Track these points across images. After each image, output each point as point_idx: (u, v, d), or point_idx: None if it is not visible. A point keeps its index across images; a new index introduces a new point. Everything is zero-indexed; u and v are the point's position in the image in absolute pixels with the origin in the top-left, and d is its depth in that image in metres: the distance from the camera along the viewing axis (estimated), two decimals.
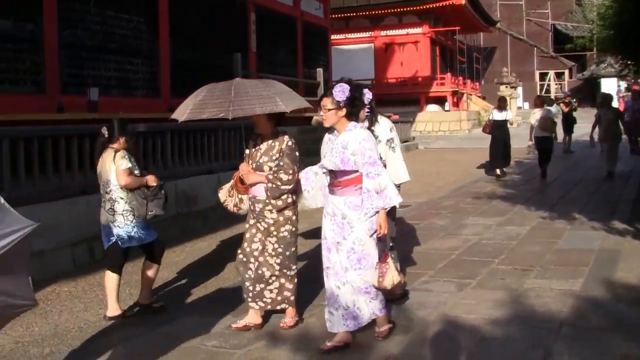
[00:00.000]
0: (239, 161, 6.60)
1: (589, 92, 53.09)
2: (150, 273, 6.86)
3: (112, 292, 6.66)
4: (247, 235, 6.13)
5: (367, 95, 6.25)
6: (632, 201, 13.24)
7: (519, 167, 19.83)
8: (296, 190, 5.99)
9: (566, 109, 25.64)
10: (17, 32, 12.13)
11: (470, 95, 47.11)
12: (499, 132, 17.80)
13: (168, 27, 16.18)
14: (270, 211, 5.97)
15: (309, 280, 6.88)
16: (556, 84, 63.55)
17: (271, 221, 6.00)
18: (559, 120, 21.70)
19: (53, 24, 12.70)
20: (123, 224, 6.58)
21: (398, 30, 43.51)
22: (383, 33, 43.45)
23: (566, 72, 63.85)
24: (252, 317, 6.12)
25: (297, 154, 6.03)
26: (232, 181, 6.30)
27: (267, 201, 5.95)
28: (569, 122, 25.11)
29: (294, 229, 6.13)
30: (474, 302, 6.82)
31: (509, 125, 18.15)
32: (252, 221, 6.13)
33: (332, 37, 30.25)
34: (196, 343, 5.82)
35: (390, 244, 6.53)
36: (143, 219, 6.64)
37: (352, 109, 5.52)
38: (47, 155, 9.18)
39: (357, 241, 5.45)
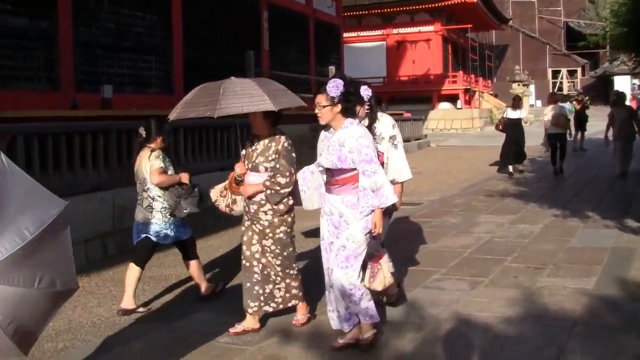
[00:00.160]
0: None
1: (601, 90, 52.82)
2: (196, 269, 7.09)
3: (131, 286, 6.76)
4: (245, 238, 6.05)
5: (367, 92, 6.15)
6: None
7: (532, 165, 19.77)
8: (294, 192, 5.87)
9: (578, 107, 25.55)
10: (31, 30, 12.20)
11: (483, 93, 46.96)
12: (513, 130, 17.84)
13: (181, 25, 16.23)
14: (265, 213, 5.88)
15: (320, 278, 6.86)
16: (569, 82, 63.24)
17: (266, 223, 5.91)
18: (571, 118, 21.66)
19: (67, 21, 12.76)
20: (161, 221, 6.75)
21: (410, 28, 43.42)
22: (395, 31, 43.38)
23: (579, 69, 63.52)
24: (250, 321, 6.04)
25: (293, 154, 5.92)
26: (226, 181, 6.22)
27: (263, 202, 5.86)
28: (582, 120, 25.02)
29: (289, 230, 6.03)
30: (487, 300, 6.81)
31: (523, 124, 18.15)
32: (247, 223, 6.04)
33: (344, 35, 30.23)
34: (209, 339, 5.83)
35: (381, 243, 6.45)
36: (178, 217, 6.81)
37: (348, 104, 5.36)
38: (61, 152, 9.23)
39: (351, 238, 5.29)
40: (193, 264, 7.08)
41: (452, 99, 42.75)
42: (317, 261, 7.63)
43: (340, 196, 5.34)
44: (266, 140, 5.93)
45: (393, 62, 43.08)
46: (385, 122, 6.44)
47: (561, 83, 63.06)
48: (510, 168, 17.90)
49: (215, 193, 6.29)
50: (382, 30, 43.42)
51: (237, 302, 6.24)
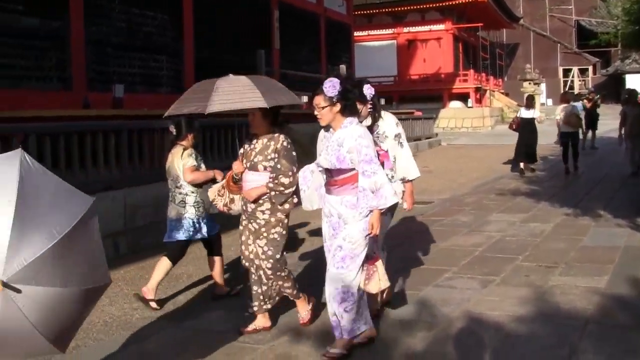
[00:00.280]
0: None
1: (613, 89, 52.65)
2: (218, 266, 7.13)
3: (159, 275, 6.88)
4: (243, 238, 5.99)
5: (369, 90, 6.10)
6: None
7: (544, 164, 19.71)
8: (297, 191, 5.80)
9: (589, 105, 25.48)
10: (43, 30, 12.26)
11: (493, 91, 46.88)
12: (526, 129, 17.94)
13: (192, 24, 16.28)
14: (263, 212, 5.79)
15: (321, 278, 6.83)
16: (580, 81, 63.06)
17: (262, 222, 5.82)
18: (582, 116, 21.63)
19: (79, 21, 12.82)
20: (194, 215, 6.85)
21: (421, 27, 43.44)
22: (406, 30, 43.40)
23: (590, 68, 63.34)
24: (261, 320, 6.03)
25: (293, 153, 5.84)
26: (223, 180, 6.19)
27: (261, 202, 5.78)
28: (592, 118, 24.94)
29: (284, 231, 5.91)
30: (498, 299, 6.79)
31: (536, 123, 18.20)
32: (244, 222, 5.97)
33: (355, 33, 30.22)
34: (221, 338, 5.84)
35: (381, 244, 6.34)
36: (209, 212, 6.96)
37: (347, 102, 5.26)
38: (73, 151, 9.27)
39: (347, 238, 5.20)
40: (217, 260, 7.12)
41: (463, 97, 42.70)
42: (322, 261, 7.66)
43: (340, 197, 5.25)
44: (265, 139, 5.84)
45: (404, 60, 43.08)
46: (388, 121, 6.40)
47: (572, 82, 62.88)
48: (522, 166, 17.91)
49: (213, 192, 6.23)
50: (393, 29, 43.44)
51: (247, 301, 6.25)
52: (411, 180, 6.43)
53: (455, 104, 42.22)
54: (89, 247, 3.24)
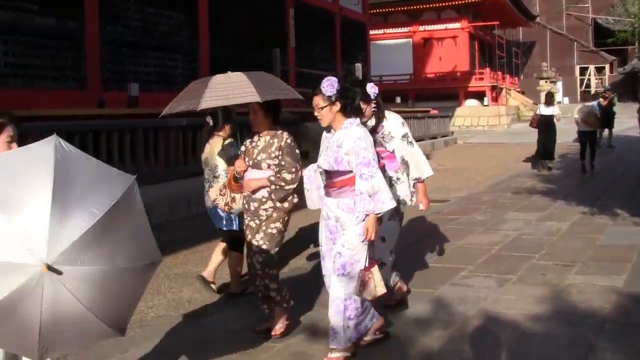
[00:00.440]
0: None
1: (630, 87, 52.33)
2: (238, 262, 7.15)
3: (215, 262, 7.23)
4: (249, 236, 5.85)
5: (373, 89, 6.04)
6: None
7: (560, 162, 19.61)
8: (300, 191, 5.71)
9: (605, 103, 25.36)
10: (59, 29, 12.31)
11: (510, 90, 46.72)
12: (545, 126, 18.04)
13: (207, 24, 16.30)
14: (266, 210, 5.69)
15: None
16: (596, 79, 62.68)
17: (264, 217, 5.69)
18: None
19: (94, 20, 12.87)
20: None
21: (436, 25, 43.36)
22: (421, 28, 43.33)
23: (607, 66, 62.95)
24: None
25: (297, 151, 5.73)
26: (225, 179, 6.10)
27: (264, 200, 5.68)
28: (608, 117, 24.81)
29: (283, 228, 5.80)
30: (515, 297, 6.76)
31: (555, 120, 18.27)
32: (246, 221, 5.85)
33: (371, 32, 30.20)
34: (236, 336, 5.84)
35: (390, 250, 6.32)
36: None
37: (346, 100, 5.09)
38: (88, 150, 9.28)
39: (347, 244, 5.03)
40: (237, 256, 7.13)
41: (479, 96, 42.59)
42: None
43: (337, 200, 5.11)
44: (268, 137, 5.72)
45: (419, 59, 43.02)
46: (393, 121, 6.32)
47: (589, 80, 62.53)
48: (544, 164, 18.09)
49: (214, 191, 6.17)
50: (409, 28, 43.39)
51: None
52: (423, 180, 6.37)
53: (471, 103, 42.13)
54: (133, 224, 3.19)
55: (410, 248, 8.92)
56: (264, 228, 5.70)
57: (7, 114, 3.87)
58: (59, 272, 2.80)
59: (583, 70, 63.16)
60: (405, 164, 6.27)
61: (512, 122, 40.09)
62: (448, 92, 41.19)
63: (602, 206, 11.91)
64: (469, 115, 39.88)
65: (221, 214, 6.84)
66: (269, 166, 5.65)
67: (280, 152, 5.65)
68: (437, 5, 42.16)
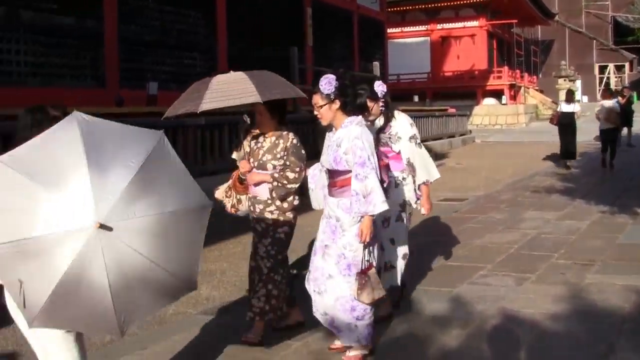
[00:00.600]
0: None
1: None
2: None
3: None
4: (254, 239, 5.78)
5: (381, 88, 5.96)
6: None
7: (579, 161, 19.52)
8: (299, 192, 5.63)
9: (623, 101, 25.24)
10: (78, 28, 12.38)
11: (528, 88, 46.50)
12: (566, 124, 18.19)
13: (225, 22, 16.33)
14: (271, 212, 5.59)
15: None
16: (616, 77, 62.24)
17: (270, 221, 5.59)
18: None
19: (113, 19, 12.92)
20: None
21: (454, 24, 43.26)
22: (439, 26, 43.25)
23: (626, 64, 62.48)
24: (293, 317, 5.91)
25: (303, 152, 5.64)
26: (230, 180, 5.98)
27: (269, 202, 5.59)
28: (627, 115, 24.69)
29: (290, 232, 5.70)
30: (534, 296, 6.73)
31: (575, 118, 18.36)
32: (252, 224, 5.76)
33: (389, 30, 30.15)
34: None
35: (403, 253, 6.24)
36: None
37: (346, 98, 5.01)
38: None
39: (348, 246, 4.97)
40: None
41: (497, 94, 42.44)
42: None
43: (337, 199, 5.05)
44: (273, 138, 5.64)
45: (437, 57, 42.94)
46: (402, 122, 6.21)
47: (608, 78, 62.11)
48: (563, 163, 18.30)
49: (220, 194, 5.97)
50: (426, 26, 43.30)
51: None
52: (430, 183, 6.27)
53: (489, 101, 41.98)
54: (173, 172, 3.17)
55: (428, 247, 8.91)
56: (271, 233, 5.61)
57: (60, 107, 3.92)
58: (110, 229, 2.80)
59: (602, 69, 62.74)
60: (411, 166, 6.15)
61: (530, 121, 39.91)
62: (466, 90, 41.07)
63: (622, 205, 11.83)
64: (487, 114, 39.75)
65: None
66: (274, 167, 5.57)
67: (285, 153, 5.57)
68: (455, 3, 42.06)
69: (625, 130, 24.39)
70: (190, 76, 15.24)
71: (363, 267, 4.96)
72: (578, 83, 49.58)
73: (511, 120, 38.77)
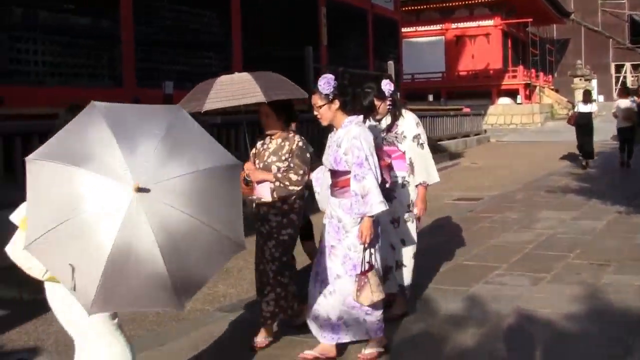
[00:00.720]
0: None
1: None
2: (311, 250, 7.04)
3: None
4: (259, 242, 5.76)
5: (388, 86, 5.91)
6: None
7: (595, 160, 19.44)
8: (303, 195, 5.61)
9: (639, 100, 25.17)
10: (95, 28, 12.47)
11: (543, 88, 46.32)
12: (584, 125, 18.23)
13: (240, 21, 16.38)
14: (275, 214, 5.57)
15: None
16: (633, 76, 61.84)
17: (274, 224, 5.56)
18: None
19: (129, 19, 12.99)
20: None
21: (469, 23, 43.17)
22: (454, 25, 43.16)
23: None
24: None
25: (307, 155, 5.58)
26: None
27: (273, 204, 5.56)
28: None
29: (295, 233, 5.69)
30: (549, 296, 6.72)
31: (592, 118, 18.38)
32: (256, 226, 5.73)
33: (403, 29, 30.13)
34: (277, 330, 5.86)
35: (412, 253, 6.20)
36: None
37: (346, 97, 4.98)
38: None
39: (352, 247, 4.99)
40: (310, 244, 7.11)
41: (512, 94, 42.33)
42: None
43: (339, 200, 5.04)
44: (279, 140, 5.62)
45: (452, 56, 42.86)
46: (408, 120, 6.13)
47: (625, 78, 61.73)
48: (584, 162, 18.28)
49: None
50: (441, 25, 43.23)
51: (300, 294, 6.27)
52: (424, 185, 6.13)
53: (504, 101, 41.87)
54: (197, 136, 3.20)
55: (443, 246, 8.92)
56: (275, 235, 5.58)
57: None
58: (148, 190, 2.82)
59: (619, 68, 62.32)
60: (411, 166, 6.08)
61: (545, 121, 39.75)
62: (481, 90, 40.99)
63: (639, 205, 11.79)
64: (501, 113, 39.64)
65: None
66: (278, 169, 5.55)
67: (291, 155, 5.54)
68: (469, 2, 41.97)
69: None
70: (206, 75, 15.21)
71: (363, 269, 4.93)
72: (594, 82, 49.31)
73: (526, 120, 38.64)
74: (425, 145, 6.14)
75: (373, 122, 6.12)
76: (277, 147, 5.61)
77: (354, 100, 5.16)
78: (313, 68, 17.47)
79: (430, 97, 36.63)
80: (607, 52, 61.66)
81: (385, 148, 6.02)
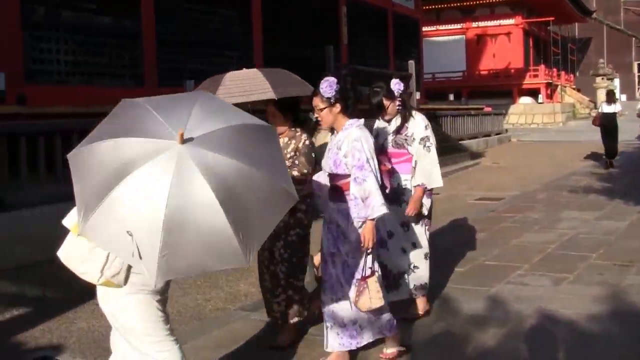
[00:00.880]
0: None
1: None
2: None
3: None
4: (267, 244, 5.63)
5: (398, 86, 5.83)
6: None
7: (617, 160, 19.31)
8: (310, 194, 5.44)
9: None
10: (116, 28, 12.53)
11: (565, 87, 46.07)
12: (608, 125, 18.21)
13: (261, 21, 16.41)
14: None
15: None
16: None
17: (281, 223, 5.30)
18: None
19: (150, 19, 13.06)
20: None
21: (490, 22, 43.04)
22: (474, 24, 43.04)
23: None
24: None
25: (313, 155, 5.51)
26: None
27: None
28: None
29: (303, 233, 5.59)
30: (571, 297, 6.68)
31: (617, 118, 18.35)
32: None
33: (424, 29, 30.07)
34: (294, 330, 5.87)
35: (425, 254, 6.10)
36: None
37: (347, 101, 4.90)
38: None
39: (350, 254, 4.90)
40: None
41: (533, 93, 42.15)
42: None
43: (337, 204, 4.94)
44: (286, 138, 5.53)
45: (473, 56, 42.74)
46: (418, 122, 6.00)
47: None
48: (608, 162, 18.27)
49: None
50: (462, 24, 43.12)
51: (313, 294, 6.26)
52: (422, 186, 5.96)
53: (525, 100, 41.70)
54: (226, 108, 3.30)
55: (464, 246, 8.90)
56: (283, 236, 5.50)
57: None
58: (192, 139, 2.86)
59: None
60: (414, 168, 5.96)
61: (567, 120, 39.54)
62: (502, 89, 40.84)
63: None
64: (523, 112, 39.49)
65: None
66: None
67: (296, 153, 5.50)
68: (490, 1, 41.82)
69: None
70: None
71: (364, 274, 4.84)
72: (616, 81, 48.99)
73: (548, 119, 38.46)
74: (433, 149, 5.99)
75: (382, 123, 6.11)
76: (283, 145, 5.51)
77: (355, 104, 5.07)
78: (334, 67, 17.49)
79: (451, 97, 36.57)
80: (630, 50, 61.26)
81: (394, 150, 5.99)
